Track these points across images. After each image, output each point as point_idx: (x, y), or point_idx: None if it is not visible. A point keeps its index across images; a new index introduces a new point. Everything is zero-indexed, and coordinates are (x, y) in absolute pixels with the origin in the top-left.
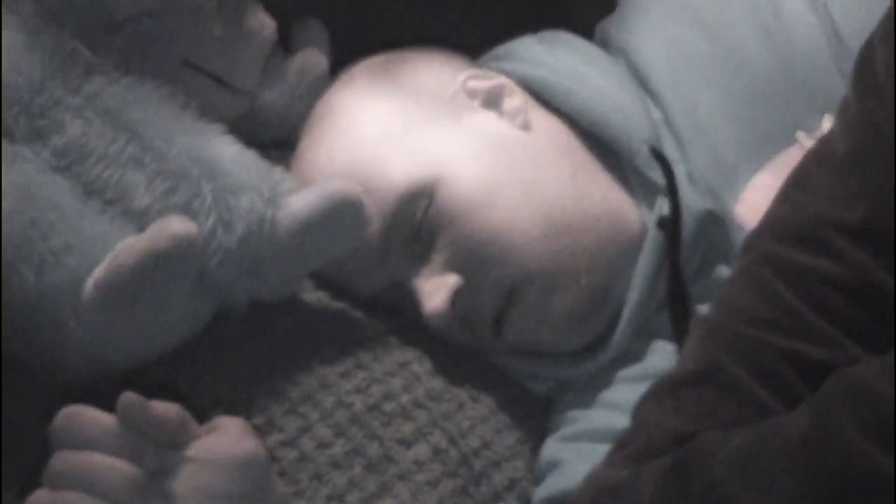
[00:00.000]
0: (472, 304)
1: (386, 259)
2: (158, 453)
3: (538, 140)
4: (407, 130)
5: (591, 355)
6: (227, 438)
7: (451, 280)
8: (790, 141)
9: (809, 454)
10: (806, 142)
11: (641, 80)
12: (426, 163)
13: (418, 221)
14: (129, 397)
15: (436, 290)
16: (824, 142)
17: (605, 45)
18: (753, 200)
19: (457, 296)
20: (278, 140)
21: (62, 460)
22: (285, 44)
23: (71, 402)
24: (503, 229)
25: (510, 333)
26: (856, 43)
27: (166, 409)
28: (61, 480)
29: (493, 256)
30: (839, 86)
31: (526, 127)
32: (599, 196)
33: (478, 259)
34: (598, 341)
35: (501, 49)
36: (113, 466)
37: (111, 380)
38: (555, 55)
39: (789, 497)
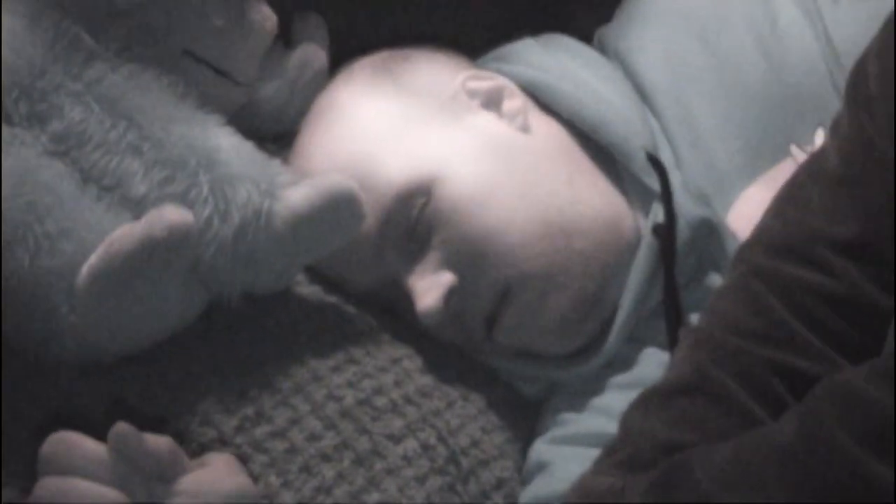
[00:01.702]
0: (466, 303)
1: (381, 255)
2: (147, 486)
3: (537, 142)
4: (406, 128)
5: (582, 359)
6: (216, 474)
7: (446, 278)
8: (784, 154)
9: (799, 462)
10: (799, 155)
11: (639, 88)
12: (424, 161)
13: (414, 219)
14: (122, 428)
15: (430, 288)
16: (817, 156)
17: (603, 51)
18: (746, 211)
19: (450, 295)
20: (276, 133)
21: (48, 486)
22: (285, 38)
23: (61, 427)
24: (499, 230)
25: (502, 335)
26: (851, 58)
27: (159, 442)
28: None
29: (488, 256)
30: (834, 100)
31: (525, 129)
32: (596, 200)
33: (473, 259)
34: (590, 346)
35: (501, 50)
36: (100, 494)
37: (102, 407)
38: (555, 58)
39: None
